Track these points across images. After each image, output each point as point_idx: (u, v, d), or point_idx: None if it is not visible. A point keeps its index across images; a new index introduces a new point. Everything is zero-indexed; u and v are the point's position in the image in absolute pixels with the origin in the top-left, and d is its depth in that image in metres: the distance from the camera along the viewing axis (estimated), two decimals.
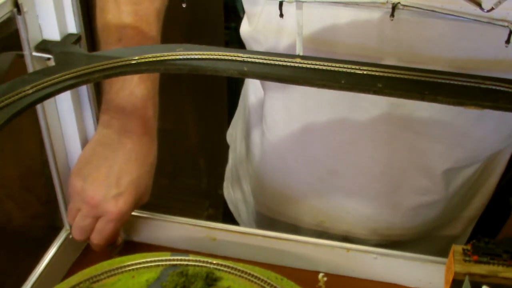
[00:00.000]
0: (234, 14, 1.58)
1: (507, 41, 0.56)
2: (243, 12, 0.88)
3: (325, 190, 0.89)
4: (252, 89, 0.95)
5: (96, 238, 0.79)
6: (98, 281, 0.76)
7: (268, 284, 0.75)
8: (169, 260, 0.78)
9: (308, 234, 0.94)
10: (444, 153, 0.82)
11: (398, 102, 0.77)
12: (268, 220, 0.99)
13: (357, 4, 0.63)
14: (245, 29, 0.86)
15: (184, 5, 0.82)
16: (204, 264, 0.77)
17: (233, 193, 1.08)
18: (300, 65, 0.63)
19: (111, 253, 0.83)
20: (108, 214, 0.77)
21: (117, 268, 0.77)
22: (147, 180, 0.80)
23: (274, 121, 0.87)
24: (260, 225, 1.01)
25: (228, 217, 1.10)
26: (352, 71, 0.62)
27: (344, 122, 0.81)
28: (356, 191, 0.88)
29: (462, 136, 0.80)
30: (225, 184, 1.12)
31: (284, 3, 0.60)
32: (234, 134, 1.08)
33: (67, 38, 0.75)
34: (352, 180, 0.87)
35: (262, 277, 0.76)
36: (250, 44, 0.85)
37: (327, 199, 0.90)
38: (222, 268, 0.77)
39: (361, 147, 0.83)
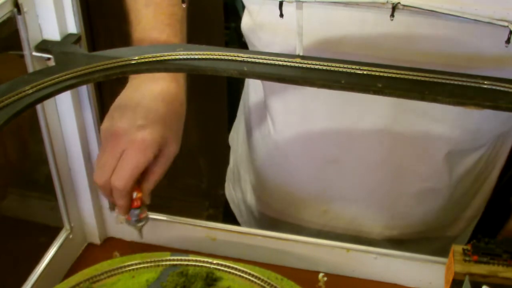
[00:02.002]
0: (234, 14, 1.58)
1: (507, 41, 0.56)
2: (243, 11, 0.88)
3: (327, 180, 0.89)
4: (253, 90, 0.95)
5: (116, 178, 0.74)
6: (98, 281, 0.76)
7: (268, 284, 0.75)
8: (169, 260, 0.78)
9: (311, 231, 0.94)
10: (445, 135, 0.81)
11: (405, 57, 0.75)
12: (271, 219, 0.99)
13: (357, 4, 0.63)
14: (246, 23, 0.86)
15: (184, 5, 0.82)
16: (204, 264, 0.77)
17: (235, 194, 1.08)
18: (300, 65, 0.63)
19: (135, 227, 0.80)
20: (131, 144, 0.74)
21: (117, 268, 0.77)
22: (174, 122, 0.77)
23: (278, 120, 0.88)
24: (262, 225, 1.01)
25: (229, 217, 1.10)
26: (352, 71, 0.62)
27: (346, 107, 0.81)
28: (358, 180, 0.88)
29: (463, 116, 0.80)
30: (226, 185, 1.12)
31: (284, 3, 0.60)
32: (235, 136, 1.08)
33: (67, 38, 0.75)
34: (354, 168, 0.87)
35: (262, 277, 0.76)
36: (250, 39, 0.85)
37: (329, 189, 0.90)
38: (222, 268, 0.77)
39: (362, 132, 0.82)
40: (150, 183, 0.77)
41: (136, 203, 0.78)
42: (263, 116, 0.91)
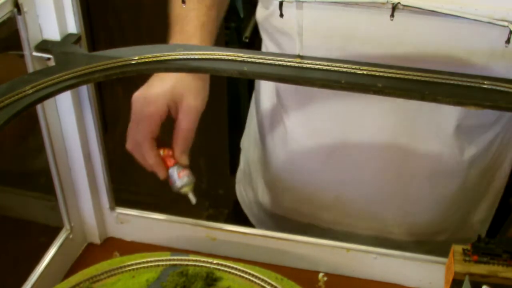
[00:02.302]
0: (234, 14, 1.58)
1: (507, 41, 0.56)
2: (243, 12, 0.88)
3: (338, 162, 0.89)
4: (265, 90, 0.95)
5: (138, 134, 0.78)
6: (98, 281, 0.76)
7: (268, 284, 0.75)
8: (169, 260, 0.78)
9: (322, 225, 0.94)
10: (452, 108, 0.80)
11: (405, 58, 0.76)
12: (282, 218, 1.00)
13: (357, 4, 0.63)
14: (260, 13, 0.88)
15: (184, 6, 0.82)
16: (204, 264, 0.77)
17: (246, 195, 1.08)
18: (300, 65, 0.63)
19: (180, 190, 0.80)
20: (144, 101, 0.78)
21: (117, 268, 0.77)
22: (190, 80, 0.79)
23: (292, 116, 0.89)
24: (275, 223, 1.02)
25: (238, 218, 1.10)
26: (352, 71, 0.62)
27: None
28: (369, 161, 0.87)
29: None
30: (237, 186, 1.13)
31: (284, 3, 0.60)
32: (246, 138, 1.09)
33: (67, 38, 0.75)
34: (364, 149, 0.86)
35: (262, 277, 0.76)
36: (264, 26, 0.87)
37: (341, 173, 0.90)
38: (222, 268, 0.77)
39: (371, 111, 0.82)
40: (179, 141, 0.79)
41: (169, 162, 0.79)
42: (277, 114, 0.92)
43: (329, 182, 0.91)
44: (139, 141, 0.78)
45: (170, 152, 0.79)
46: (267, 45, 0.90)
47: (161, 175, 0.80)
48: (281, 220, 1.00)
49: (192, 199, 0.80)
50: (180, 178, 0.80)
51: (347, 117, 0.85)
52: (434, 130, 0.83)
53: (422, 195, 0.90)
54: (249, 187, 1.06)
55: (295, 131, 0.90)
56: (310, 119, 0.87)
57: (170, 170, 0.79)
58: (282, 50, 0.85)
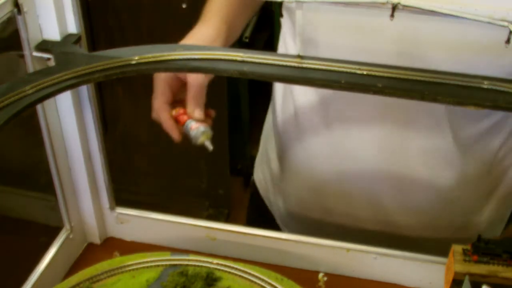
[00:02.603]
0: None
1: (507, 41, 0.57)
2: None
3: (338, 136, 0.89)
4: (284, 105, 0.96)
5: (154, 101, 0.81)
6: (98, 281, 0.76)
7: (268, 284, 0.75)
8: (169, 260, 0.78)
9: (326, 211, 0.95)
10: None
11: (405, 57, 0.76)
12: (297, 216, 1.01)
13: (357, 4, 0.63)
14: None
15: (184, 6, 0.82)
16: (204, 264, 0.77)
17: (263, 177, 1.09)
18: (300, 65, 0.64)
19: (197, 142, 0.82)
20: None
21: (117, 268, 0.77)
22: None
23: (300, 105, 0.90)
24: (289, 210, 1.03)
25: (254, 202, 1.11)
26: (352, 71, 0.63)
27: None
28: (366, 135, 0.87)
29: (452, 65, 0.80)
30: (255, 170, 1.13)
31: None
32: (266, 133, 1.09)
33: (67, 38, 0.75)
34: (362, 123, 0.86)
35: (262, 277, 0.76)
36: (286, 5, 0.88)
37: (341, 149, 0.90)
38: (222, 268, 0.77)
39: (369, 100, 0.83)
40: (189, 99, 0.81)
41: (182, 119, 0.81)
42: (295, 134, 0.93)
43: (329, 155, 0.92)
44: (155, 108, 0.81)
45: (181, 110, 0.81)
46: (285, 22, 0.91)
47: (174, 137, 0.82)
48: (297, 211, 1.00)
49: (209, 146, 0.82)
50: (193, 129, 0.81)
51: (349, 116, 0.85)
52: (424, 105, 0.83)
53: (420, 180, 0.89)
54: (267, 171, 1.07)
55: (314, 146, 0.90)
56: (327, 133, 0.88)
57: (184, 126, 0.81)
58: None
